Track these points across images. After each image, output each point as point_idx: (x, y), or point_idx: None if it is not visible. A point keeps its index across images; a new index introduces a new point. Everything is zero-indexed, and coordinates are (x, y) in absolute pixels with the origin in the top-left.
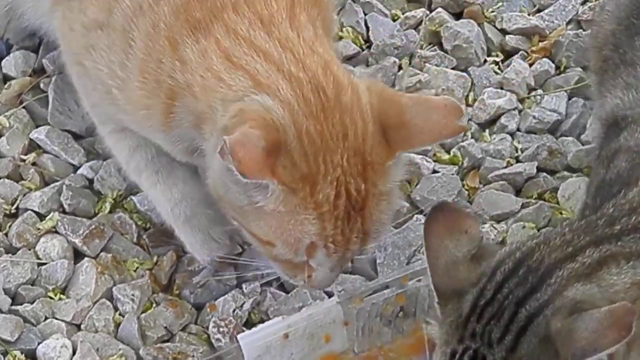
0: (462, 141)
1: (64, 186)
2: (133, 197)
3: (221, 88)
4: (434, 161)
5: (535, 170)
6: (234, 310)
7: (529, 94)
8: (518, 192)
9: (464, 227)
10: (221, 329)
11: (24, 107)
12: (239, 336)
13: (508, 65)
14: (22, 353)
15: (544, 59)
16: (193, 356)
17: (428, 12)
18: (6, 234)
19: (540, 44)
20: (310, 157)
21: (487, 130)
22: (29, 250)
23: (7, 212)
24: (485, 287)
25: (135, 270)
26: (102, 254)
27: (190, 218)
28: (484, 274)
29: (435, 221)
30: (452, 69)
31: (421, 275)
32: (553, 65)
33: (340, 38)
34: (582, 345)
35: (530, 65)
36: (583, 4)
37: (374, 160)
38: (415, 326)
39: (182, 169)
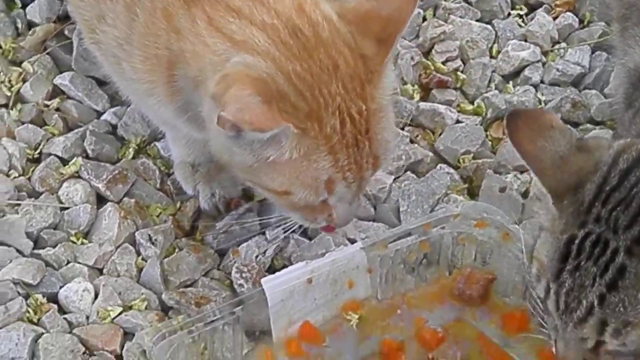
0: (486, 92)
1: (88, 131)
2: (157, 143)
3: (207, 53)
4: (458, 112)
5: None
6: (256, 256)
7: (552, 47)
8: None
9: (548, 122)
10: (244, 275)
11: (48, 54)
12: (262, 280)
13: (532, 19)
14: (43, 296)
15: (568, 13)
16: (215, 301)
17: None
18: (29, 179)
19: None
20: (307, 94)
21: (510, 82)
22: (52, 194)
23: (31, 157)
24: (609, 174)
25: (158, 216)
26: (125, 199)
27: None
28: (603, 162)
29: (517, 129)
30: (476, 21)
31: (445, 222)
32: (577, 19)
33: None
34: None
35: (554, 18)
36: None
37: (369, 73)
38: (438, 274)
39: None
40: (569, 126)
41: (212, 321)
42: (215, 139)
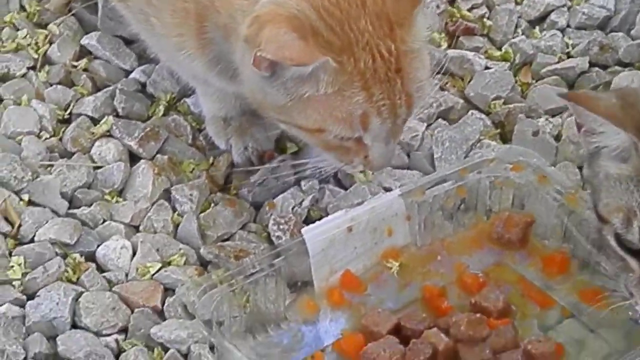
0: (513, 38)
1: (117, 90)
2: (186, 100)
3: None
4: (486, 58)
5: (587, 65)
6: (293, 208)
7: None
8: (571, 87)
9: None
10: (281, 226)
11: (73, 15)
12: (303, 230)
13: None
14: (81, 256)
15: None
16: (254, 253)
17: None
18: (60, 139)
19: None
20: (337, 29)
21: (537, 27)
22: (84, 154)
23: (61, 117)
24: None
25: (191, 172)
26: (157, 156)
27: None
28: None
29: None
30: None
31: (481, 167)
32: None
33: None
34: None
35: None
36: None
37: (399, 17)
38: (476, 219)
39: None
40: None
41: (253, 273)
42: (248, 83)
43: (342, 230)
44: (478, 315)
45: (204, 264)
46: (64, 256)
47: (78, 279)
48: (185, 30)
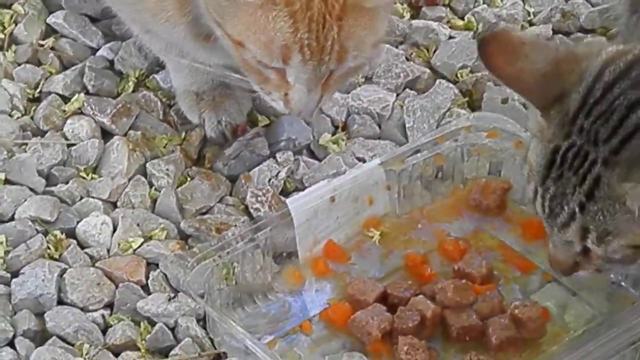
0: (475, 7)
1: (87, 68)
2: (155, 76)
3: None
4: (449, 28)
5: (550, 33)
6: (269, 180)
7: None
8: None
9: (519, 41)
10: (259, 198)
11: None
12: (287, 200)
13: None
14: (62, 232)
15: None
16: (235, 226)
17: None
18: (32, 118)
19: None
20: None
21: None
22: (57, 132)
23: (31, 96)
24: (593, 86)
25: (164, 147)
26: (130, 131)
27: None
28: (588, 73)
29: (491, 55)
30: None
31: (457, 135)
32: None
33: None
34: None
35: None
36: None
37: None
38: (453, 187)
39: None
40: (547, 41)
41: (239, 246)
42: None
43: (325, 200)
44: (464, 281)
45: (184, 237)
46: (45, 233)
47: (60, 255)
48: None
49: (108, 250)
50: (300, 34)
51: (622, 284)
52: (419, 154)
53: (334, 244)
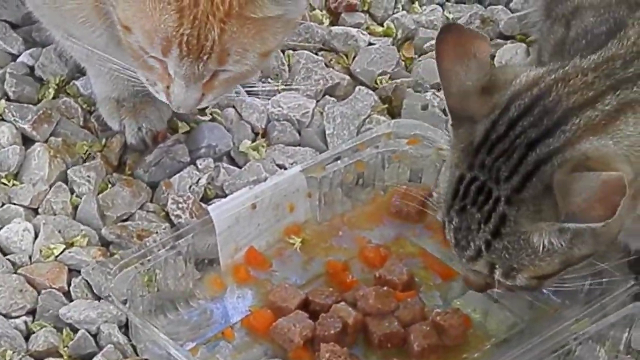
0: (394, 13)
1: (7, 74)
2: (76, 82)
3: None
4: (369, 34)
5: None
6: (190, 187)
7: None
8: None
9: (473, 49)
10: (180, 205)
11: None
12: (209, 207)
13: None
14: None
15: None
16: (157, 232)
17: None
18: None
19: None
20: None
21: (416, 2)
22: None
23: None
24: (497, 121)
25: (85, 153)
26: (51, 138)
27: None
28: (497, 106)
29: (445, 43)
30: None
31: (377, 142)
32: None
33: None
34: (574, 209)
35: None
36: None
37: None
38: (374, 194)
39: None
40: (492, 61)
41: (160, 253)
42: None
43: (246, 207)
44: (385, 288)
45: (105, 244)
46: None
47: None
48: None
49: (30, 257)
50: (182, 29)
51: (544, 291)
52: (339, 161)
53: (255, 250)
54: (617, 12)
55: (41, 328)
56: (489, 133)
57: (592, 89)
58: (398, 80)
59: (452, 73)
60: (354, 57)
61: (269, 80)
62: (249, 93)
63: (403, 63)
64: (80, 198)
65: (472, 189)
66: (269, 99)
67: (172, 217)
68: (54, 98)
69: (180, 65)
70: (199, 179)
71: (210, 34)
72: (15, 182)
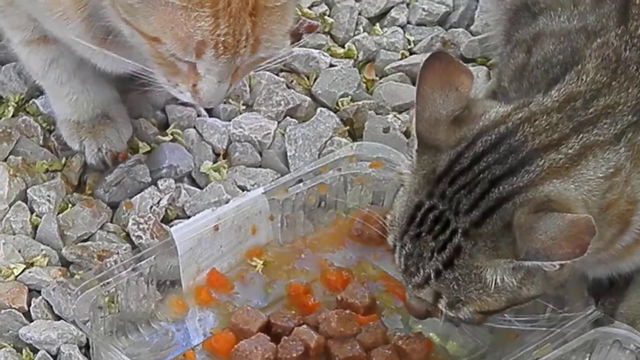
0: (355, 35)
1: None
2: (35, 101)
3: None
4: (330, 55)
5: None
6: (150, 207)
7: None
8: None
9: (457, 83)
10: (141, 226)
11: None
12: (172, 229)
13: None
14: None
15: None
16: (118, 253)
17: None
18: None
19: None
20: None
21: (377, 24)
22: None
23: None
24: (462, 154)
25: (45, 172)
26: (10, 157)
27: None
28: (463, 139)
29: (430, 69)
30: None
31: (340, 164)
32: None
33: None
34: (537, 247)
35: None
36: None
37: None
38: (336, 216)
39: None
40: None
41: (122, 274)
42: None
43: (209, 229)
44: (347, 311)
45: (65, 264)
46: None
47: None
48: None
49: None
50: (219, 31)
51: (506, 315)
52: (302, 184)
53: (216, 272)
54: (576, 41)
55: (1, 348)
56: (453, 164)
57: (556, 131)
58: (360, 102)
59: (430, 99)
60: (315, 79)
61: (230, 101)
62: (210, 114)
63: (364, 85)
64: (40, 217)
65: (430, 217)
66: (230, 120)
67: (133, 238)
68: (13, 116)
69: (216, 63)
70: (160, 199)
71: (244, 28)
72: None
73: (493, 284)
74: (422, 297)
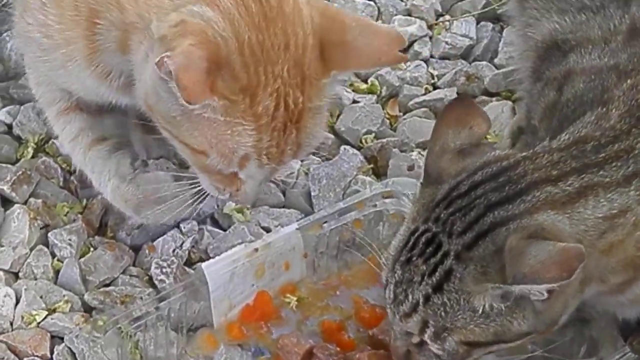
0: (378, 70)
1: None
2: (55, 141)
3: None
4: (353, 91)
5: (455, 96)
6: (173, 250)
7: (437, 20)
8: None
9: (471, 122)
10: (164, 270)
11: None
12: (203, 265)
13: None
14: None
15: None
16: (141, 298)
17: None
18: None
19: None
20: (251, 68)
21: None
22: None
23: None
24: (462, 181)
25: (65, 215)
26: (31, 199)
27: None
28: (465, 170)
29: (451, 110)
30: None
31: (377, 200)
32: None
33: None
34: (525, 270)
35: None
36: None
37: (312, 74)
38: (370, 253)
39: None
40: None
41: (142, 318)
42: (144, 84)
43: (241, 265)
44: (381, 351)
45: (88, 310)
46: None
47: None
48: (73, 33)
49: (11, 323)
50: (262, 144)
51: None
52: (337, 219)
53: (250, 308)
54: (607, 80)
55: None
56: (451, 191)
57: (556, 168)
58: (384, 140)
59: (443, 134)
60: (339, 115)
61: None
62: None
63: (388, 121)
64: (62, 262)
65: (422, 239)
66: None
67: (156, 282)
68: (32, 157)
69: (259, 172)
70: (183, 242)
71: (290, 138)
72: None
73: (481, 311)
74: (409, 328)
